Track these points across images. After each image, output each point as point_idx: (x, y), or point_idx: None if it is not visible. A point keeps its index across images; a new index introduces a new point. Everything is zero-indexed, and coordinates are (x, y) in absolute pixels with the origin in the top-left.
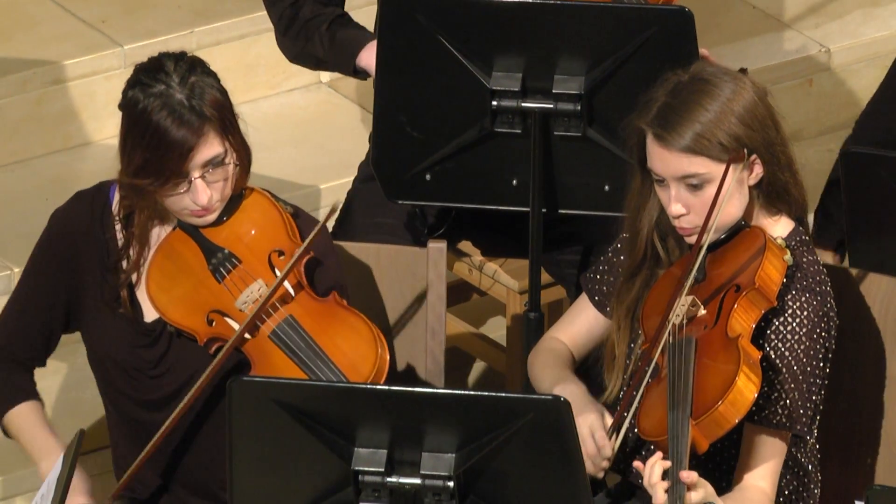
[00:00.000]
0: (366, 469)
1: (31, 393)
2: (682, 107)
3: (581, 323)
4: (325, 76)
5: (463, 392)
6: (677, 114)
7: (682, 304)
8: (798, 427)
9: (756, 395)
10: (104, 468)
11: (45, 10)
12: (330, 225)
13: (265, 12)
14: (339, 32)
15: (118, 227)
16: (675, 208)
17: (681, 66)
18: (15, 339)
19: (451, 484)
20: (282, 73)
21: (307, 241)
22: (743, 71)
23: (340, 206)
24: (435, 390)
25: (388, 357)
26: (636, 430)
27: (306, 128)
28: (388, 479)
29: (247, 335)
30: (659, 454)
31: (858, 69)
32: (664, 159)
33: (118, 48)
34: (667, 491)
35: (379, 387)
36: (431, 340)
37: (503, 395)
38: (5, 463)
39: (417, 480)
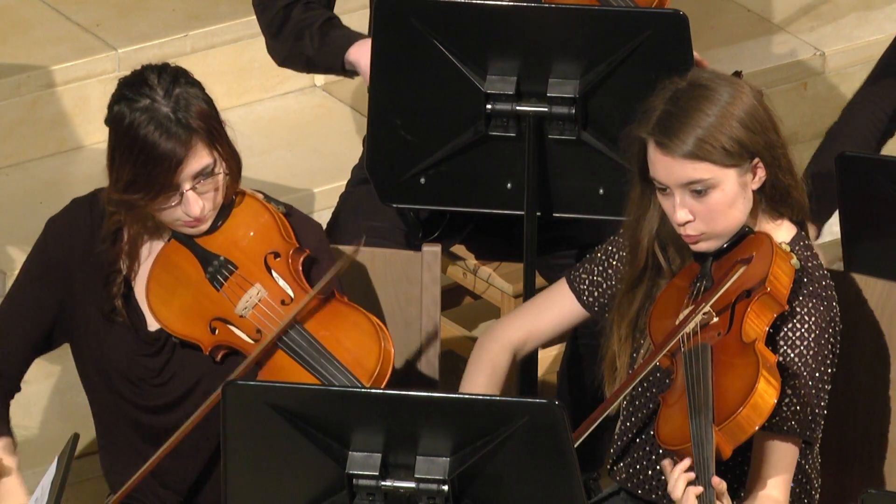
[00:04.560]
0: (360, 473)
1: (2, 429)
2: (682, 113)
3: (552, 315)
4: (320, 79)
5: (457, 395)
6: (678, 120)
7: (698, 313)
8: (808, 433)
9: (777, 399)
10: (98, 472)
11: (38, 13)
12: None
13: None
14: (329, 32)
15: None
16: (680, 215)
17: (675, 69)
18: (2, 361)
19: (445, 488)
20: (276, 76)
21: (327, 276)
22: (738, 74)
23: (363, 244)
24: (429, 394)
25: (391, 349)
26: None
27: (300, 131)
28: (383, 483)
29: (251, 341)
30: (684, 463)
31: (853, 72)
32: (667, 166)
33: (112, 52)
34: (698, 497)
35: (373, 390)
36: (426, 344)
37: (498, 398)
38: None
39: (412, 484)
